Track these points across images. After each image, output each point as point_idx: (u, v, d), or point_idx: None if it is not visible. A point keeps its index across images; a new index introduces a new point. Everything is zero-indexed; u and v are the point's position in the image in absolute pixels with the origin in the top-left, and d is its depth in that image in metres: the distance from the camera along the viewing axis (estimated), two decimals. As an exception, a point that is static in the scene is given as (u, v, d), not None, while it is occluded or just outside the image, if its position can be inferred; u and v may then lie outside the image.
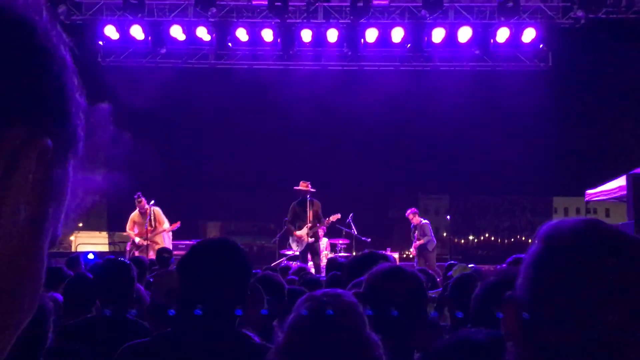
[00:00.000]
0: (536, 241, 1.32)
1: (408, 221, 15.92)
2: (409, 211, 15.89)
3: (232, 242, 2.70)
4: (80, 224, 40.99)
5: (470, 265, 7.97)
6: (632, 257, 1.21)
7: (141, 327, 3.74)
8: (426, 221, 15.75)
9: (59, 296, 4.60)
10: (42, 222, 0.68)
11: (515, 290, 1.30)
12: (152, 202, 14.04)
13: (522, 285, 1.29)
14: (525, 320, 1.25)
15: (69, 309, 4.40)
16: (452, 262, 10.15)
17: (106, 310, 3.80)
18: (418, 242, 15.19)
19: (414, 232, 15.50)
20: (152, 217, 13.88)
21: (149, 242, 13.69)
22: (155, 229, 13.89)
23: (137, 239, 13.77)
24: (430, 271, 7.03)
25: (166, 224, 14.13)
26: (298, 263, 12.69)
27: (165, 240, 14.10)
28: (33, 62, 0.68)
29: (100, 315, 3.83)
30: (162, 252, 10.94)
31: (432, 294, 4.92)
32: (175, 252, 14.27)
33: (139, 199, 13.81)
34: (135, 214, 13.98)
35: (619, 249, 1.22)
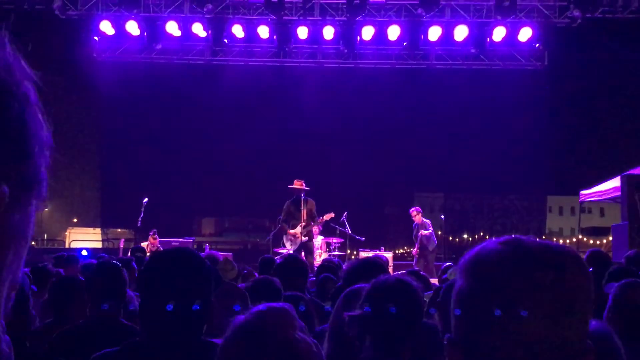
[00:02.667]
0: (460, 276, 1.26)
1: (403, 219, 15.91)
2: (412, 209, 15.85)
3: (190, 251, 2.66)
4: (75, 220, 40.93)
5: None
6: (557, 261, 1.19)
7: (136, 332, 3.68)
8: (428, 220, 15.74)
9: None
10: None
11: (453, 332, 1.25)
12: (146, 199, 13.93)
13: (459, 326, 1.24)
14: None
15: (55, 311, 4.35)
16: (449, 263, 10.10)
17: (100, 314, 3.75)
18: (423, 233, 15.15)
19: (416, 231, 15.45)
20: None
21: None
22: None
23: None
24: (422, 273, 7.00)
25: None
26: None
27: None
28: None
29: (95, 320, 3.78)
30: (135, 251, 10.94)
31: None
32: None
33: (154, 236, 13.74)
34: (146, 246, 13.83)
35: (542, 258, 1.19)
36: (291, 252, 13.71)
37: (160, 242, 14.41)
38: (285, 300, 3.84)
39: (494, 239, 1.27)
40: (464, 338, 1.22)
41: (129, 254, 12.72)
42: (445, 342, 1.25)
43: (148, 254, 13.64)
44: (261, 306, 2.00)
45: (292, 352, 1.88)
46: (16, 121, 0.65)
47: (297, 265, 5.47)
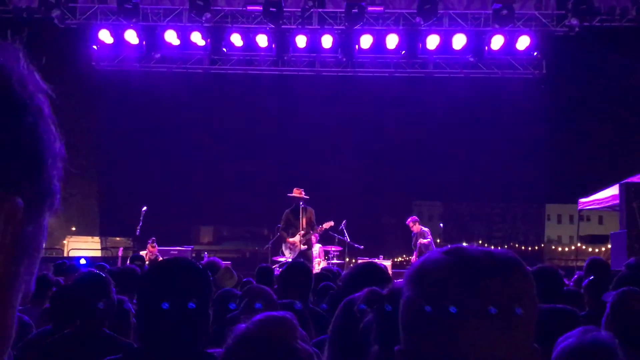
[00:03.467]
0: (406, 287, 1.28)
1: (401, 227, 15.89)
2: (409, 219, 15.83)
3: (189, 261, 2.64)
4: (73, 228, 40.86)
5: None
6: (508, 275, 1.21)
7: (119, 342, 3.67)
8: (426, 228, 15.73)
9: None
10: (12, 283, 0.64)
11: (401, 342, 1.26)
12: (145, 208, 13.95)
13: (405, 338, 1.25)
14: None
15: (55, 322, 4.35)
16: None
17: (85, 323, 3.74)
18: (422, 242, 15.13)
19: (415, 241, 15.44)
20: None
21: None
22: None
23: None
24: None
25: None
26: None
27: None
28: (3, 115, 0.63)
29: (77, 331, 3.76)
30: (134, 259, 10.95)
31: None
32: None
33: (153, 245, 13.67)
34: (144, 255, 13.76)
35: (492, 273, 1.20)
36: (290, 260, 13.72)
37: (158, 251, 14.40)
38: (280, 308, 3.85)
39: (438, 249, 1.29)
40: (412, 348, 1.23)
41: (128, 262, 12.73)
42: (395, 353, 1.26)
43: (147, 262, 13.63)
44: (262, 315, 1.99)
45: None
46: (30, 134, 0.65)
47: (301, 271, 5.47)
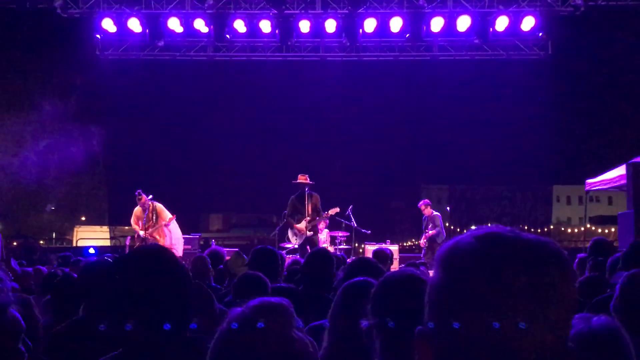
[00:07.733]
0: (435, 268, 1.23)
1: (410, 211, 15.86)
2: (421, 202, 15.79)
3: (164, 252, 2.52)
4: (83, 218, 41.04)
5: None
6: (530, 260, 1.14)
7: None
8: (437, 213, 15.66)
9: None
10: None
11: (424, 323, 1.22)
12: (151, 196, 14.06)
13: (429, 316, 1.21)
14: (438, 353, 1.18)
15: (58, 311, 4.36)
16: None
17: (92, 313, 3.72)
18: (429, 233, 15.11)
19: (426, 224, 15.40)
20: (153, 213, 14.00)
21: (148, 237, 13.80)
22: (155, 224, 14.00)
23: (141, 232, 13.88)
24: (422, 268, 6.97)
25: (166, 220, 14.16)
26: (297, 256, 12.65)
27: (167, 234, 14.08)
28: None
29: (86, 318, 3.75)
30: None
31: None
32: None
33: (140, 196, 13.98)
34: (137, 209, 14.20)
35: (515, 256, 1.14)
36: (297, 246, 13.74)
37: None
38: (274, 293, 3.84)
39: (472, 229, 1.24)
40: (433, 330, 1.20)
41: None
42: (415, 335, 1.23)
43: (145, 218, 13.71)
44: (258, 300, 1.94)
45: (287, 350, 1.83)
46: None
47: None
